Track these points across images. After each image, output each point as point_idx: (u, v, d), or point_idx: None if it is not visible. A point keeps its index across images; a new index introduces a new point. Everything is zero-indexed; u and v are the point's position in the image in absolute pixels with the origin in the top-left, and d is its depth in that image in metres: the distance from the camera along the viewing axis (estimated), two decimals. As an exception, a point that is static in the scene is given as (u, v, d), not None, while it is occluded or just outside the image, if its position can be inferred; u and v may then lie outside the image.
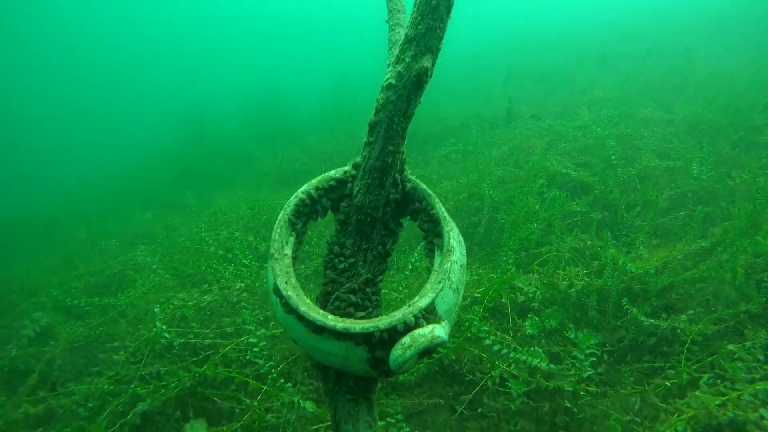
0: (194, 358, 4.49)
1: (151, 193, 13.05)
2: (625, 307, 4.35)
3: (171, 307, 5.08)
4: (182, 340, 4.64)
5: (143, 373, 4.41)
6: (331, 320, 1.80)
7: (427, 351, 1.83)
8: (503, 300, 4.57)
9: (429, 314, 1.89)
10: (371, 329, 1.77)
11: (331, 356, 1.90)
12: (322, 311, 1.87)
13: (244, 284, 5.33)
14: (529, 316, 4.23)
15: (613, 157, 6.93)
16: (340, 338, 1.81)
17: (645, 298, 4.65)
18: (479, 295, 4.44)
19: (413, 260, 5.01)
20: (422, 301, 1.87)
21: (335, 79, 17.60)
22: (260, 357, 3.84)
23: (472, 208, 6.52)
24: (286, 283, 1.95)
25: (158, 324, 4.52)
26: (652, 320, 4.28)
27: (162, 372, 4.36)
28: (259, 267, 5.56)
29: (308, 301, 1.92)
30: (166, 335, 4.56)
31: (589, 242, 5.34)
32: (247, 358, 4.37)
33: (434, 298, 1.89)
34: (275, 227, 2.12)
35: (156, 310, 4.65)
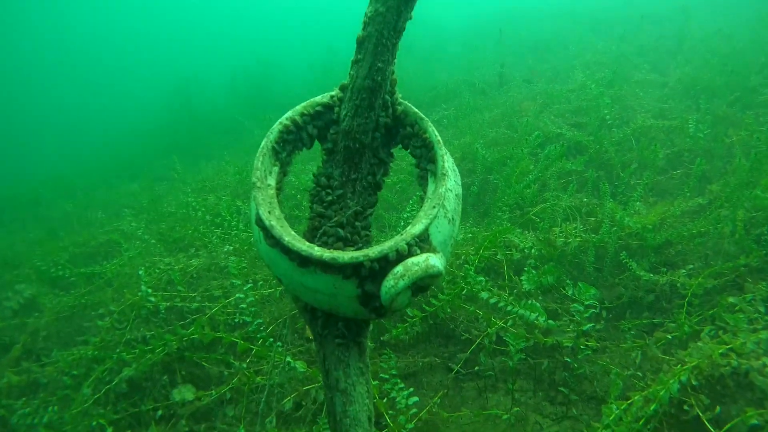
0: (181, 322, 4.36)
1: (139, 165, 12.79)
2: (624, 262, 4.25)
3: (157, 271, 4.94)
4: (168, 304, 4.51)
5: (129, 338, 4.28)
6: (318, 251, 1.65)
7: (422, 287, 1.68)
8: (499, 257, 4.45)
9: (423, 242, 1.74)
10: (361, 258, 1.62)
11: (319, 294, 1.75)
12: (308, 243, 1.72)
13: (232, 247, 5.18)
14: (525, 269, 4.12)
15: (608, 117, 6.79)
16: (327, 270, 1.65)
17: (643, 254, 4.54)
18: (473, 252, 4.32)
19: (406, 216, 4.87)
20: (415, 228, 1.72)
21: (325, 47, 17.28)
22: (248, 315, 3.72)
23: (465, 170, 6.37)
24: (269, 213, 1.79)
25: (143, 288, 4.38)
26: (651, 275, 4.18)
27: (148, 336, 4.24)
28: (247, 231, 5.41)
29: (293, 232, 1.77)
30: (152, 299, 4.42)
31: (585, 200, 5.22)
32: (236, 321, 4.25)
33: (428, 224, 1.74)
34: (257, 155, 1.97)
35: (141, 272, 4.50)
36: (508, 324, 3.79)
